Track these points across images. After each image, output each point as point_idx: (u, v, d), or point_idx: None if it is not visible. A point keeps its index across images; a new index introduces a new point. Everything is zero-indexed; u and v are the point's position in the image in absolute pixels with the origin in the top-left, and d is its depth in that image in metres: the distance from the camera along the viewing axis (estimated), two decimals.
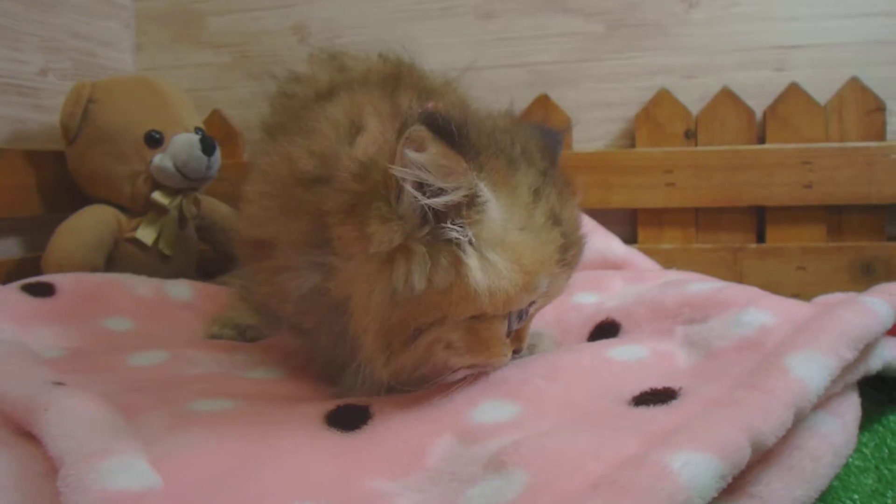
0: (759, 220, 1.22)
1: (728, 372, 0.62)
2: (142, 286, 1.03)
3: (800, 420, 0.55)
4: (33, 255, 1.12)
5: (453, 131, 0.51)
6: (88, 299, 0.96)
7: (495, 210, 0.56)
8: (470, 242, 0.55)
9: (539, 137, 0.67)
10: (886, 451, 0.65)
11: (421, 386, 0.64)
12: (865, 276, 1.15)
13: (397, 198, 0.54)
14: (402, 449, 0.56)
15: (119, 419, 0.56)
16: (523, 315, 0.64)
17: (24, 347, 0.77)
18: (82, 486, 0.46)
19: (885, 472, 0.61)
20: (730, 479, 0.46)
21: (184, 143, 1.13)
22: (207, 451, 0.54)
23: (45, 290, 0.93)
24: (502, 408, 0.61)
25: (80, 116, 1.12)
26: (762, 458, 0.53)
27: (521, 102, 1.27)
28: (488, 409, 0.61)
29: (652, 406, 0.58)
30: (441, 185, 0.53)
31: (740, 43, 1.22)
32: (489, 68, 1.29)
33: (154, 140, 1.13)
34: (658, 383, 0.62)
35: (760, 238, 1.22)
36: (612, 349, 0.72)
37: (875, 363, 0.66)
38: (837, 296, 0.86)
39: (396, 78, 0.75)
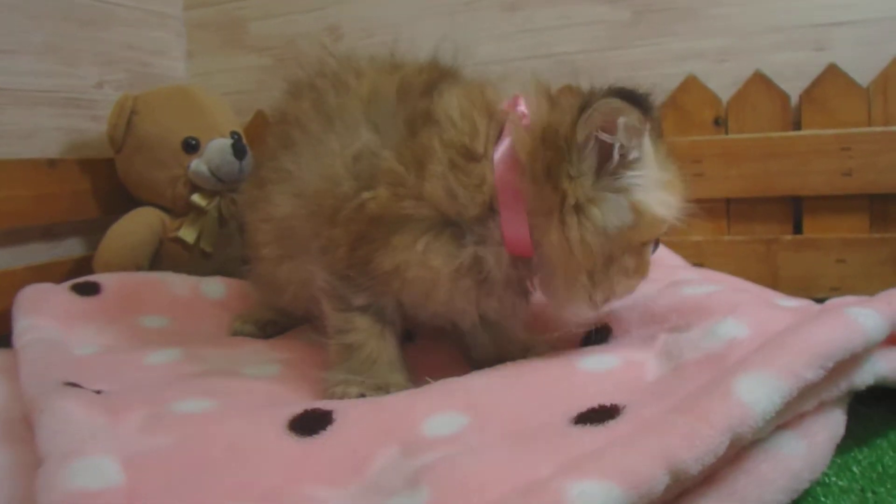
0: (795, 210, 1.15)
1: (679, 389, 0.61)
2: (179, 285, 1.10)
3: (742, 445, 0.53)
4: (90, 254, 1.23)
5: (641, 100, 0.64)
6: (129, 298, 1.04)
7: (651, 157, 0.68)
8: (641, 186, 0.67)
9: None
10: (880, 468, 0.61)
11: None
12: None
13: (579, 158, 0.66)
14: (350, 458, 0.58)
15: (99, 421, 0.61)
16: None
17: (58, 345, 0.86)
18: (50, 485, 0.50)
19: (870, 494, 0.57)
20: None
21: (217, 148, 1.21)
22: (172, 453, 0.58)
23: (91, 290, 1.03)
24: (452, 420, 0.62)
25: (123, 127, 1.22)
26: (704, 482, 0.52)
27: None
28: (440, 421, 0.62)
29: (588, 425, 0.57)
30: (627, 144, 0.65)
31: (776, 23, 1.14)
32: (515, 60, 1.28)
33: (191, 146, 1.21)
34: (609, 399, 0.61)
35: (797, 229, 1.15)
36: (586, 358, 0.72)
37: (864, 378, 0.62)
38: (848, 299, 0.81)
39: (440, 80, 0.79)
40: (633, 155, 0.66)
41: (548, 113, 0.69)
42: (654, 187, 0.68)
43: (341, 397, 0.71)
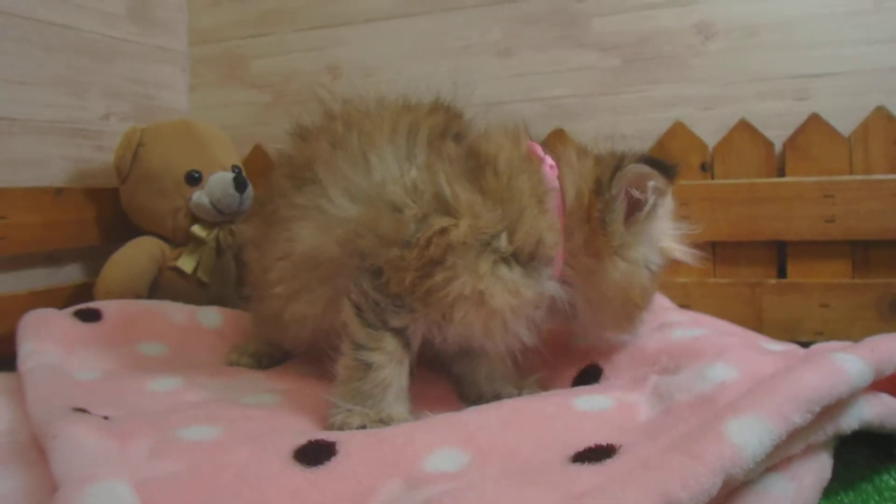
0: (779, 254, 1.18)
1: (672, 430, 0.63)
2: (177, 313, 1.12)
3: (734, 485, 0.54)
4: (92, 280, 1.25)
5: (666, 166, 0.75)
6: (129, 325, 1.06)
7: (670, 212, 0.82)
8: (665, 235, 0.81)
9: None
10: None
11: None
12: (894, 313, 1.10)
13: (612, 208, 0.77)
14: (354, 489, 0.60)
15: (111, 446, 0.63)
16: None
17: (61, 371, 0.87)
18: None
19: None
20: None
21: (219, 181, 1.24)
22: (183, 479, 0.60)
23: (93, 316, 1.04)
24: (453, 457, 0.64)
25: (130, 159, 1.25)
26: None
27: (538, 135, 1.28)
28: (441, 456, 0.64)
29: (586, 463, 0.59)
30: (654, 201, 0.78)
31: (759, 73, 1.19)
32: (508, 102, 1.32)
33: (193, 179, 1.24)
34: (605, 439, 0.63)
35: (782, 273, 1.18)
36: (579, 398, 0.74)
37: (850, 422, 0.64)
38: (832, 345, 0.84)
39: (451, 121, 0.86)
40: (659, 211, 0.79)
41: (594, 167, 0.80)
42: (672, 236, 0.82)
43: (340, 427, 0.72)
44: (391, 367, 0.76)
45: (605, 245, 0.77)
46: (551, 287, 0.78)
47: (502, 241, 0.74)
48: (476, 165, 0.77)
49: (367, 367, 0.75)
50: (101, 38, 1.38)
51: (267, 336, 1.01)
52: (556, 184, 0.79)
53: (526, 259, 0.76)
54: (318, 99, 0.92)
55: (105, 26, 1.39)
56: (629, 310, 0.79)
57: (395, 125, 0.82)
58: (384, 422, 0.73)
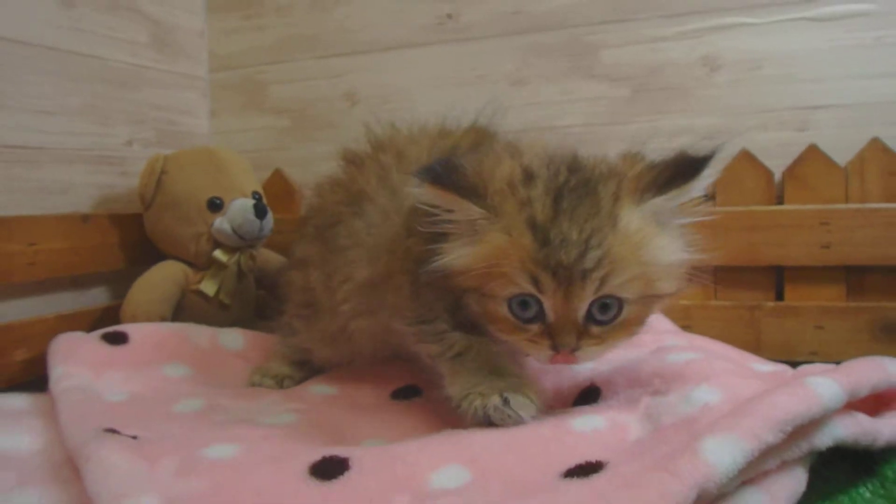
0: (777, 279, 1.23)
1: (656, 450, 0.67)
2: (200, 336, 1.16)
3: (709, 499, 0.58)
4: (116, 303, 1.29)
5: (442, 177, 0.71)
6: (154, 348, 1.10)
7: (481, 218, 0.72)
8: (456, 239, 0.73)
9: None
10: None
11: None
12: (887, 336, 1.14)
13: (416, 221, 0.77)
14: None
15: (141, 465, 0.68)
16: (526, 307, 0.73)
17: (92, 393, 0.92)
18: None
19: None
20: None
21: (240, 208, 1.29)
22: (208, 497, 0.64)
23: (120, 339, 1.09)
24: (458, 475, 0.68)
25: (153, 186, 1.29)
26: None
27: None
28: (446, 474, 0.68)
29: (575, 478, 0.64)
30: (438, 210, 0.74)
31: (762, 104, 1.24)
32: (521, 131, 1.36)
33: (215, 205, 1.29)
34: (594, 456, 0.67)
35: (779, 297, 1.23)
36: (576, 418, 0.77)
37: (823, 440, 0.68)
38: (815, 367, 0.89)
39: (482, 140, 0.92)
40: (454, 217, 0.74)
41: None
42: (470, 242, 0.73)
43: (483, 408, 0.75)
44: (472, 340, 0.81)
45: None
46: None
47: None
48: None
49: (460, 355, 0.80)
50: (124, 67, 1.43)
51: (320, 353, 1.06)
52: None
53: None
54: (365, 125, 0.98)
55: (128, 55, 1.44)
56: None
57: (432, 152, 0.88)
58: (510, 387, 0.77)
